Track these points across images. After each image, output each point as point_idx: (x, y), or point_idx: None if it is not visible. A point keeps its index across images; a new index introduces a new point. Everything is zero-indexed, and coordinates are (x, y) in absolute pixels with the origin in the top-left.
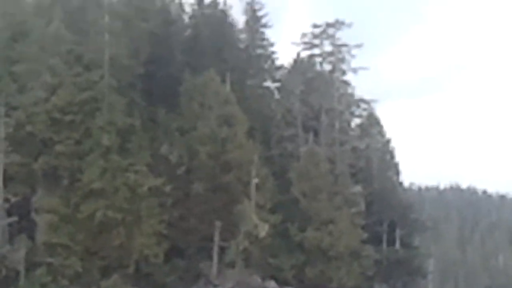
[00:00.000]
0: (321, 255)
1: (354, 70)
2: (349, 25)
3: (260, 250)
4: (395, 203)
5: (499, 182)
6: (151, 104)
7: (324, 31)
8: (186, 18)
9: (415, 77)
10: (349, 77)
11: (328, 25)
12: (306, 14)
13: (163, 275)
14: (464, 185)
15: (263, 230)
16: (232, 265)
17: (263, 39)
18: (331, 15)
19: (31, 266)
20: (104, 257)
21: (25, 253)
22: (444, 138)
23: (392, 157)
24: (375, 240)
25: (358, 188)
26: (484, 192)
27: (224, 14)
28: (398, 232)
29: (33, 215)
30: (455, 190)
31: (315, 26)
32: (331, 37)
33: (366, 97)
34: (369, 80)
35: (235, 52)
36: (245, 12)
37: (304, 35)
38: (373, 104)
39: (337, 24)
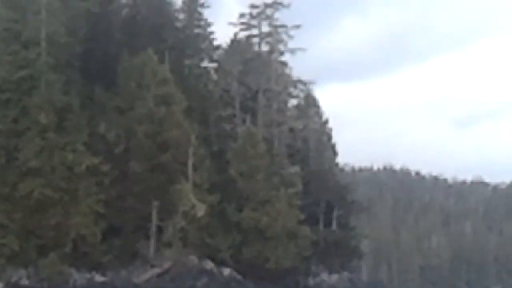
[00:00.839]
0: (258, 235)
1: (292, 51)
2: (287, 6)
3: (197, 230)
4: (332, 184)
5: (432, 164)
6: (89, 83)
7: (262, 12)
8: None
9: (352, 60)
10: (286, 58)
11: (266, 5)
12: None
13: (100, 255)
14: (397, 166)
15: (201, 210)
16: (169, 245)
17: (201, 19)
18: None
19: None
20: (41, 236)
21: None
22: (377, 119)
23: (329, 138)
24: (312, 221)
25: (295, 169)
26: (417, 173)
27: None
28: (335, 213)
29: None
30: (389, 171)
31: (253, 6)
32: (269, 17)
33: (304, 78)
34: (307, 62)
35: (173, 32)
36: None
37: (242, 15)
38: (310, 86)
39: (275, 5)
